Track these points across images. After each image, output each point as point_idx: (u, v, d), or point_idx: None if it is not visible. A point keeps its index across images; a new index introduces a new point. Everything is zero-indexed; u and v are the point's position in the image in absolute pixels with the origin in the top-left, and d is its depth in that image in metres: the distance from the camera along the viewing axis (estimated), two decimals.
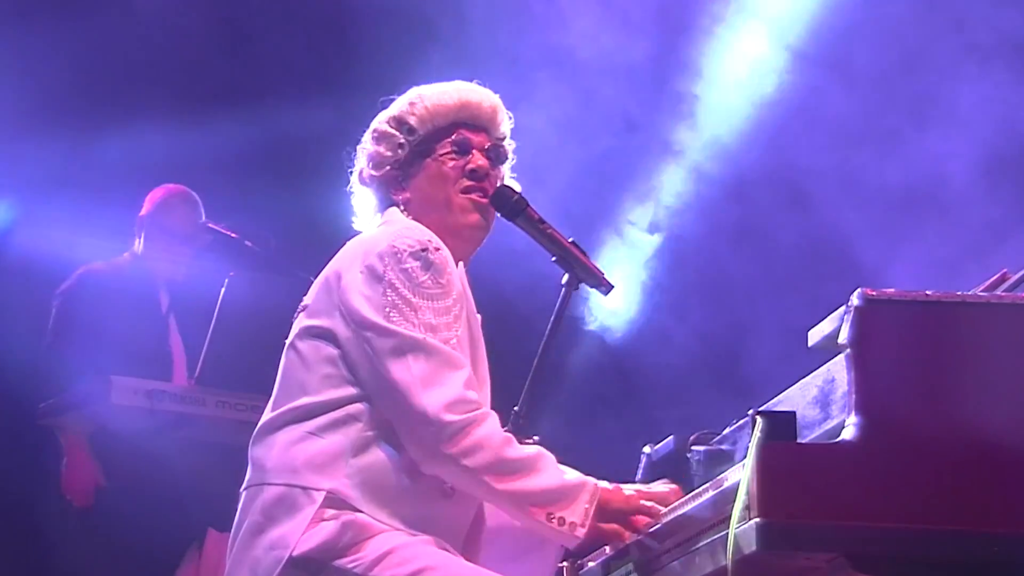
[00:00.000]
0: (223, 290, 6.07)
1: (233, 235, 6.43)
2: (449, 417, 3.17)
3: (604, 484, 3.30)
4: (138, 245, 6.49)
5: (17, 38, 7.56)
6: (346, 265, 3.33)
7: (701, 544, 3.01)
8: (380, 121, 3.55)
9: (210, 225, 6.43)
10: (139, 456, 6.18)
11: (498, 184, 3.54)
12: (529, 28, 7.47)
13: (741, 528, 2.78)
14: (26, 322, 7.12)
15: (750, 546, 2.75)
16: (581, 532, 3.23)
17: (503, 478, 3.20)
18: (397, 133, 3.50)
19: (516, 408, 3.56)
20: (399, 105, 3.54)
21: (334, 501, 3.19)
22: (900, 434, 2.78)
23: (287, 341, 3.41)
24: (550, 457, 3.27)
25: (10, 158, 7.58)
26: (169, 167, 6.88)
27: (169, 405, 6.06)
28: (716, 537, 2.93)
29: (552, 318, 3.60)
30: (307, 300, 3.41)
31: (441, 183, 3.47)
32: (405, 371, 3.20)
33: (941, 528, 2.73)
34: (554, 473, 3.24)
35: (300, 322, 3.38)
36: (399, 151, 3.49)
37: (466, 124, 3.52)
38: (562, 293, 3.61)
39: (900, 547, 2.73)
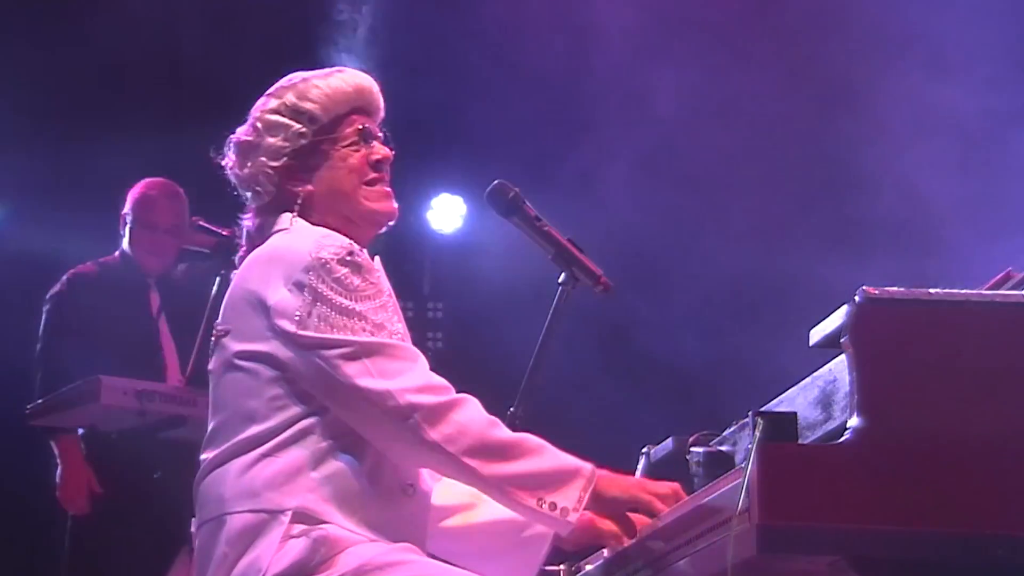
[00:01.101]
0: (214, 289, 6.07)
1: (225, 232, 6.41)
2: (424, 400, 3.12)
3: (603, 472, 3.23)
4: (125, 243, 6.50)
5: (5, 43, 7.56)
6: (264, 284, 3.24)
7: (700, 547, 3.00)
8: (266, 111, 3.44)
9: (201, 223, 6.42)
10: (129, 458, 6.18)
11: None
12: None
13: (740, 531, 2.77)
14: (12, 324, 7.12)
15: (750, 549, 2.74)
16: (574, 518, 3.16)
17: (489, 462, 3.13)
18: (294, 123, 3.40)
19: (512, 409, 3.55)
20: (288, 93, 3.43)
21: (302, 517, 3.14)
22: (903, 435, 2.77)
23: (212, 368, 3.33)
24: (541, 441, 3.20)
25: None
26: (159, 169, 6.87)
27: (160, 406, 6.05)
28: (716, 540, 2.91)
29: (548, 317, 3.59)
30: (224, 324, 3.31)
31: (348, 174, 3.40)
32: (366, 373, 3.14)
33: (946, 531, 2.72)
34: (546, 455, 3.17)
35: (227, 347, 3.28)
36: (299, 140, 3.40)
37: (360, 110, 3.45)
38: (559, 292, 3.60)
39: (903, 550, 2.72)
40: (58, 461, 6.26)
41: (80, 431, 6.31)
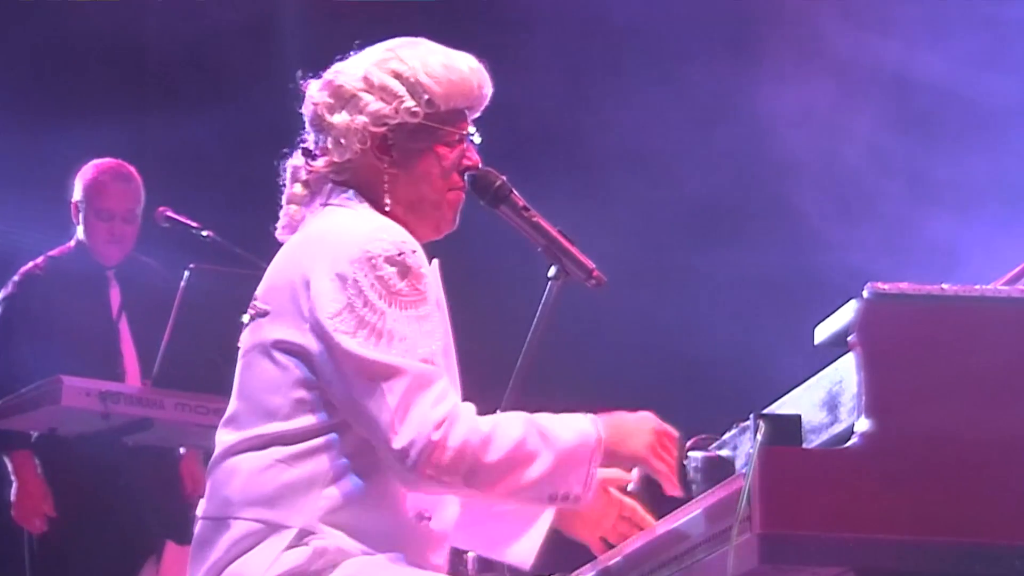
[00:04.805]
0: (183, 283, 6.05)
1: (194, 224, 6.41)
2: (421, 442, 3.12)
3: (609, 427, 3.31)
4: (80, 232, 6.42)
5: None
6: (311, 266, 3.23)
7: (699, 558, 3.00)
8: (385, 70, 3.34)
9: (168, 214, 6.40)
10: (91, 464, 6.16)
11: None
12: None
13: (741, 541, 2.77)
14: None
15: (752, 560, 2.74)
16: (587, 499, 3.24)
17: (492, 483, 3.18)
18: (410, 97, 3.31)
19: (499, 410, 3.55)
20: (415, 62, 3.34)
21: (305, 535, 3.18)
22: (914, 439, 2.77)
23: (244, 346, 3.32)
24: (538, 429, 3.22)
25: None
26: (121, 156, 6.85)
27: (124, 408, 6.04)
28: (715, 551, 2.91)
29: (538, 314, 3.59)
30: (265, 303, 3.30)
31: (438, 173, 3.37)
32: (379, 401, 3.13)
33: (960, 541, 2.72)
34: (545, 451, 3.20)
35: (262, 330, 3.28)
36: (407, 118, 3.32)
37: (472, 108, 3.41)
38: (548, 287, 3.59)
39: (915, 561, 2.73)
40: (12, 478, 6.22)
41: (33, 438, 6.26)
